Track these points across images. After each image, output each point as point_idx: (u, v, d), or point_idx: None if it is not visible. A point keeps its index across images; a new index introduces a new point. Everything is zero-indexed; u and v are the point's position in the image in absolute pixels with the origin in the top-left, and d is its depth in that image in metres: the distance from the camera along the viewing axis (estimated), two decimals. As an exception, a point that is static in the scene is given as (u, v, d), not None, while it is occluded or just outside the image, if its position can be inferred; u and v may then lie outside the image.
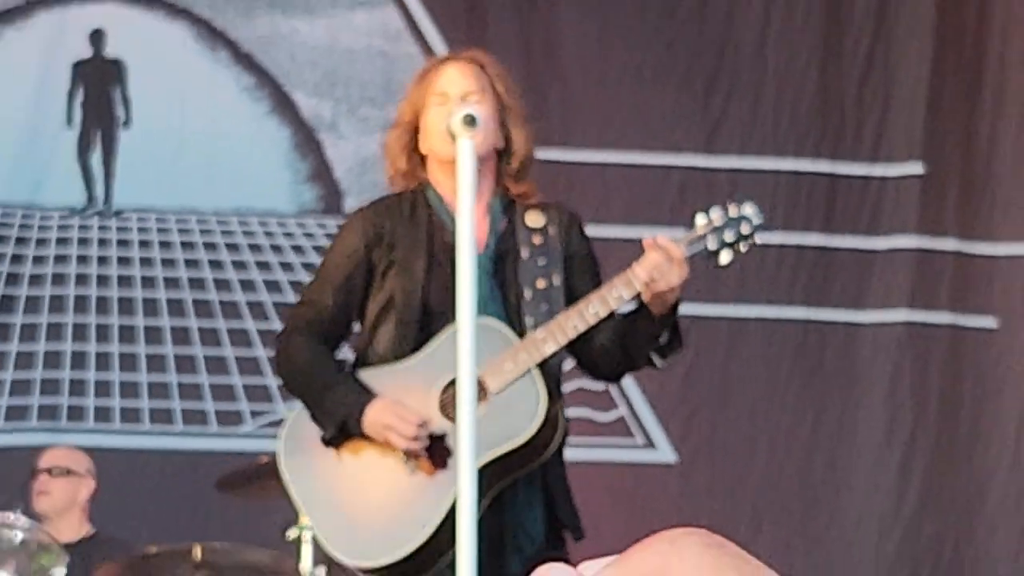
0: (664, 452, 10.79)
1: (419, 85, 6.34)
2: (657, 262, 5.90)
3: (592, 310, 5.97)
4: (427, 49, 10.69)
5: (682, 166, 10.93)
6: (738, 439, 10.87)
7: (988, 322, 11.05)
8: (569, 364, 6.51)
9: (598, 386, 9.88)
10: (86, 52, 10.95)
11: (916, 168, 11.10)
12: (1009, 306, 11.06)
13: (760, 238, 6.20)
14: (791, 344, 10.98)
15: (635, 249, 6.02)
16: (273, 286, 10.74)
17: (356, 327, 6.32)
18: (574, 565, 5.29)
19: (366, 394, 6.01)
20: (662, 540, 0.66)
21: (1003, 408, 10.98)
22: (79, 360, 10.60)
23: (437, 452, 5.96)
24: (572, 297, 6.18)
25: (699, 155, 10.94)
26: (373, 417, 5.95)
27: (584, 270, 6.31)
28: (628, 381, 10.39)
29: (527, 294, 6.13)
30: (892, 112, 11.14)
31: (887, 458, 10.90)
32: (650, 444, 10.78)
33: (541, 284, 6.15)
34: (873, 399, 10.95)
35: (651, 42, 11.07)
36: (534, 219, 6.29)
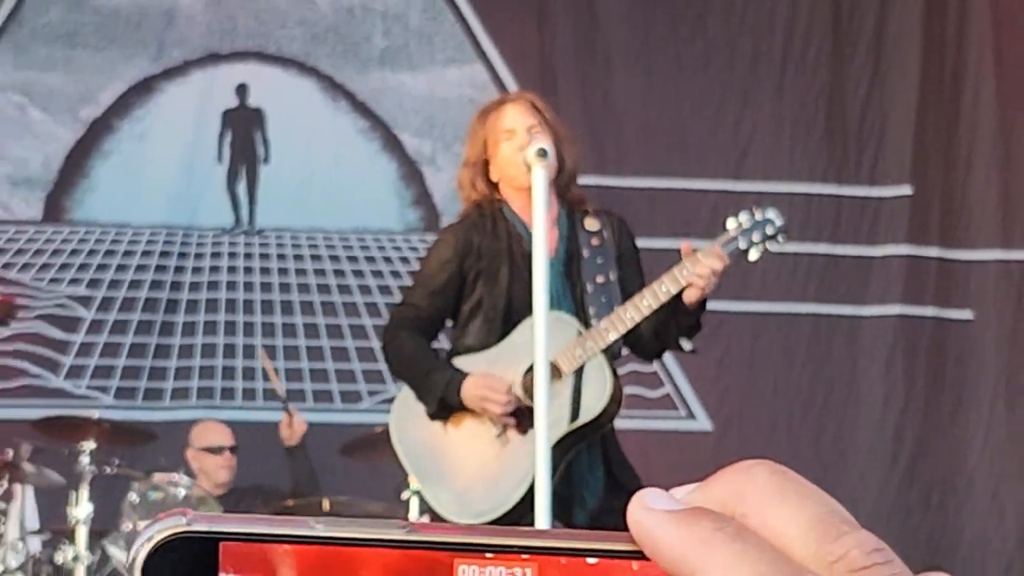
0: (702, 422, 10.78)
1: (483, 125, 6.21)
2: (709, 267, 5.79)
3: (646, 303, 5.85)
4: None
5: (715, 190, 10.85)
6: (763, 411, 10.85)
7: (966, 314, 11.00)
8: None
9: (648, 368, 9.94)
10: (233, 102, 10.98)
11: (906, 190, 11.06)
12: (983, 301, 11.01)
13: (783, 238, 6.07)
14: (804, 334, 10.95)
15: (672, 259, 5.90)
16: (384, 290, 10.70)
17: (448, 323, 6.25)
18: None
19: (461, 373, 5.94)
20: (737, 468, 0.72)
21: (979, 384, 10.93)
22: (229, 351, 10.64)
23: (522, 422, 5.89)
24: (623, 288, 6.11)
25: (729, 180, 10.89)
26: (469, 389, 5.88)
27: (631, 265, 6.22)
28: (672, 366, 10.53)
29: (589, 288, 6.05)
30: (885, 145, 11.10)
31: (884, 426, 10.86)
32: (691, 415, 10.77)
33: (600, 279, 6.08)
34: (872, 378, 10.93)
35: (687, 91, 11.02)
36: (591, 224, 6.18)
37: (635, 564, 0.77)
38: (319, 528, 0.75)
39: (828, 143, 11.09)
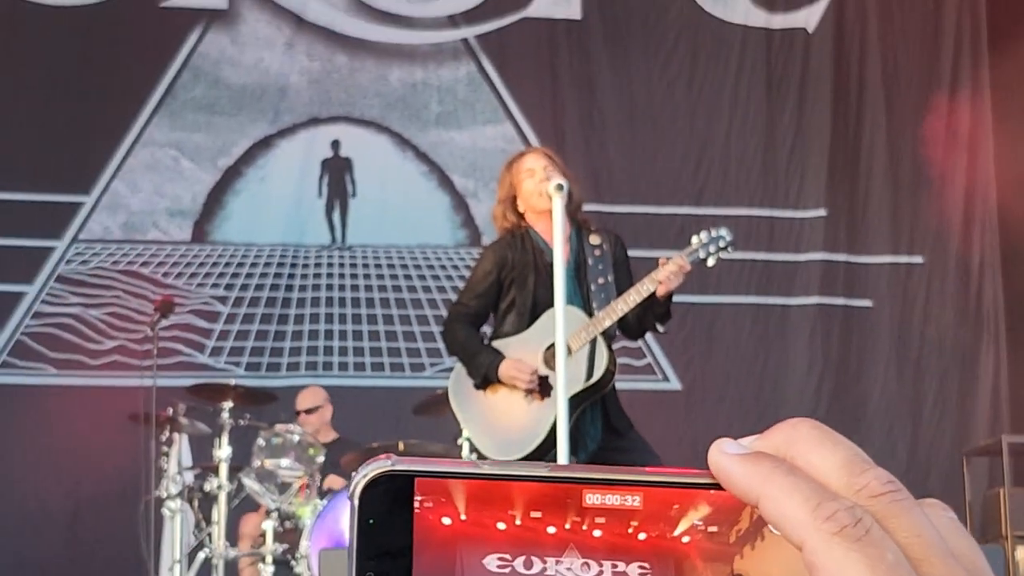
0: (674, 384, 10.79)
1: (509, 171, 6.23)
2: (673, 270, 5.86)
3: (632, 298, 5.88)
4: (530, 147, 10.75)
5: (681, 214, 10.88)
6: (718, 375, 10.86)
7: (866, 303, 11.04)
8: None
9: (634, 344, 10.00)
10: (329, 153, 10.94)
11: (821, 212, 11.10)
12: (879, 293, 11.05)
13: (732, 249, 6.06)
14: (749, 318, 10.98)
15: (652, 264, 5.95)
16: (441, 288, 10.68)
17: (490, 317, 6.29)
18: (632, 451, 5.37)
19: (499, 356, 5.97)
20: (787, 424, 0.74)
21: (876, 354, 10.98)
22: (329, 335, 10.63)
23: (543, 388, 5.93)
24: (617, 286, 6.12)
25: (691, 207, 10.92)
26: (504, 370, 5.94)
27: (623, 271, 6.22)
28: (652, 343, 10.54)
29: (593, 288, 6.05)
30: (805, 179, 11.12)
31: (807, 384, 10.92)
32: (666, 379, 10.78)
33: (601, 281, 6.08)
34: (798, 349, 10.96)
35: (660, 142, 11.04)
36: (594, 239, 6.19)
37: (713, 492, 0.78)
38: (485, 467, 0.77)
39: (764, 179, 11.12)
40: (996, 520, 9.68)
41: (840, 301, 11.04)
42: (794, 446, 0.79)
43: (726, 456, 0.79)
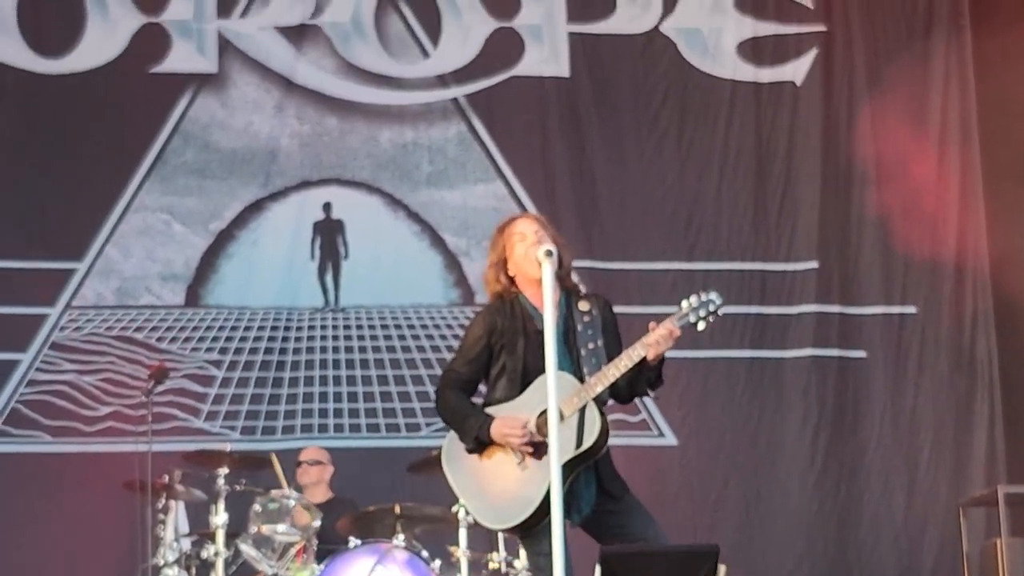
0: (670, 439, 10.76)
1: (502, 235, 6.21)
2: (663, 335, 5.83)
3: (623, 364, 5.85)
4: (521, 207, 10.75)
5: (673, 269, 10.91)
6: (713, 429, 10.85)
7: (860, 354, 11.05)
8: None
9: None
10: (321, 215, 10.92)
11: (813, 264, 11.12)
12: (872, 344, 11.04)
13: (722, 312, 5.97)
14: (743, 372, 10.97)
15: (646, 320, 5.91)
16: (435, 348, 10.65)
17: (481, 383, 6.21)
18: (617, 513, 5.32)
19: (490, 418, 5.95)
20: None
21: (871, 404, 10.99)
22: (323, 397, 10.59)
23: (537, 449, 5.88)
24: (607, 350, 6.06)
25: (683, 262, 10.95)
26: (496, 428, 5.90)
27: (612, 333, 6.16)
28: (647, 399, 10.43)
29: (583, 353, 6.00)
30: (797, 233, 11.15)
31: (803, 436, 10.90)
32: (661, 434, 10.75)
33: (591, 346, 6.03)
34: (793, 401, 10.95)
35: (651, 198, 11.09)
36: (583, 305, 6.13)
37: None
38: None
39: (755, 233, 11.13)
40: (993, 571, 9.69)
41: (834, 352, 11.02)
42: None
43: None
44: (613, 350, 6.09)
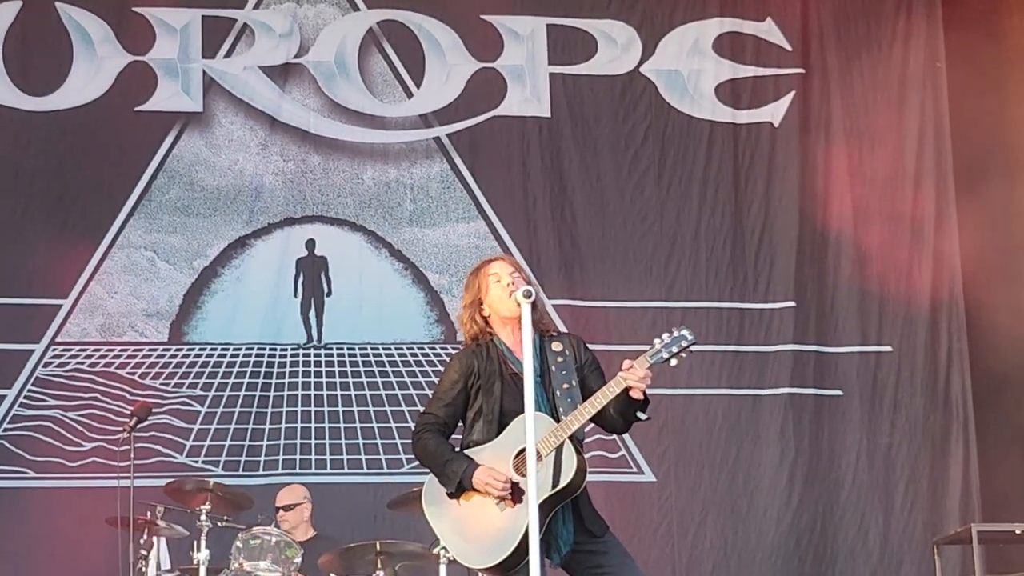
0: (648, 475, 10.78)
1: (477, 276, 6.22)
2: (634, 375, 5.83)
3: (597, 402, 5.85)
4: (503, 245, 10.84)
5: (652, 307, 10.95)
6: (692, 466, 10.86)
7: (836, 392, 11.10)
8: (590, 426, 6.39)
9: (609, 437, 10.00)
10: (304, 252, 10.96)
11: (790, 304, 11.17)
12: (848, 383, 11.10)
13: (695, 347, 5.93)
14: (721, 409, 10.99)
15: (624, 356, 5.87)
16: (417, 384, 10.66)
17: (459, 425, 6.19)
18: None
19: (473, 464, 5.94)
20: None
21: (847, 442, 11.03)
22: (306, 432, 10.58)
23: (515, 496, 5.88)
24: (586, 389, 6.05)
25: (662, 301, 10.99)
26: (478, 477, 5.89)
27: (592, 371, 6.15)
28: (626, 436, 10.46)
29: (558, 393, 5.99)
30: (775, 273, 11.21)
31: (780, 473, 10.93)
32: (640, 471, 10.77)
33: (565, 386, 6.03)
34: (770, 439, 10.98)
35: (631, 238, 11.11)
36: (556, 346, 6.12)
37: None
38: None
39: (732, 273, 11.18)
40: (969, 608, 9.71)
41: (811, 391, 11.07)
42: None
43: None
44: (595, 384, 6.09)
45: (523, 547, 5.71)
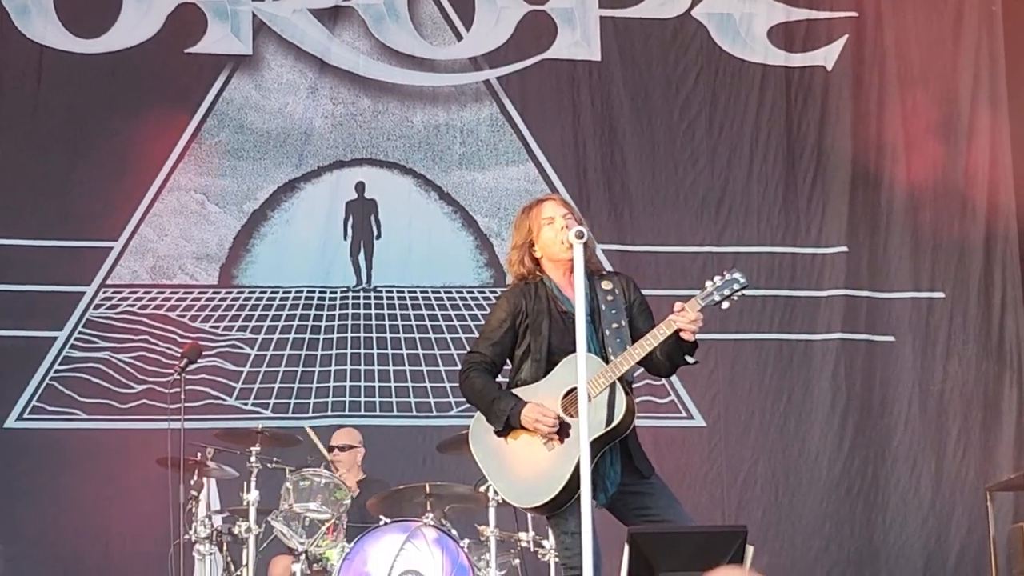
0: (698, 420, 10.74)
1: (528, 217, 6.18)
2: (691, 318, 5.77)
3: (648, 344, 5.83)
4: (553, 188, 10.69)
5: (703, 252, 10.90)
6: (742, 411, 10.81)
7: (889, 338, 11.01)
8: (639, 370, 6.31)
9: (658, 382, 10.01)
10: (353, 195, 10.94)
11: (843, 249, 11.08)
12: (901, 328, 11.02)
13: (747, 292, 5.91)
14: (772, 354, 10.94)
15: (673, 301, 5.88)
16: (466, 328, 10.64)
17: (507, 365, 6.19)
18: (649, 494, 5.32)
19: (520, 401, 5.92)
20: (720, 572, 0.82)
21: (899, 388, 10.95)
22: (355, 375, 10.59)
23: (563, 435, 5.87)
24: (635, 329, 6.04)
25: (713, 246, 10.93)
26: (526, 415, 5.88)
27: (641, 311, 6.14)
28: (675, 380, 10.44)
29: (607, 333, 5.97)
30: (827, 217, 11.12)
31: (831, 418, 10.87)
32: (689, 416, 10.73)
33: (615, 326, 6.00)
34: (822, 385, 10.92)
35: (682, 182, 11.05)
36: (606, 285, 6.10)
37: None
38: None
39: (785, 217, 11.10)
40: (1020, 554, 9.65)
41: (863, 336, 10.99)
42: None
43: None
44: (644, 325, 6.07)
45: (570, 487, 5.73)
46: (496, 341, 6.15)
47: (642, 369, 6.20)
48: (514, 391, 6.05)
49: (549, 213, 6.16)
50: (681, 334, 5.85)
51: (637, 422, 6.05)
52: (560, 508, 5.90)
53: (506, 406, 5.97)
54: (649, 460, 6.16)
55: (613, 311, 6.08)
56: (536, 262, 6.19)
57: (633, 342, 5.99)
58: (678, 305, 5.88)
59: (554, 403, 5.96)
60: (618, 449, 5.97)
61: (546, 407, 5.93)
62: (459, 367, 6.27)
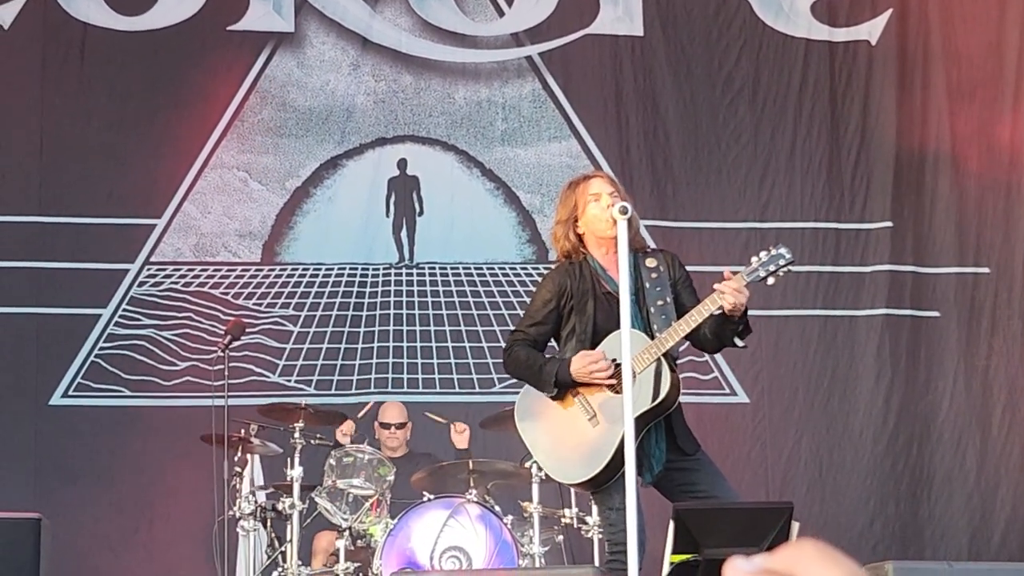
0: (741, 397, 10.70)
1: (574, 192, 6.18)
2: (731, 290, 5.80)
3: (692, 320, 5.85)
4: (596, 164, 10.63)
5: (745, 228, 10.85)
6: (786, 388, 10.76)
7: (934, 314, 10.94)
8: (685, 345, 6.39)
9: (701, 358, 9.99)
10: (396, 172, 10.92)
11: (887, 224, 11.00)
12: (946, 304, 10.94)
13: (792, 267, 6.00)
14: (816, 330, 10.87)
15: (716, 279, 5.93)
16: (509, 304, 10.62)
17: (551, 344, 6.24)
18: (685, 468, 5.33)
19: (566, 359, 5.97)
20: (793, 544, 0.82)
21: (944, 364, 10.88)
22: (398, 352, 10.58)
23: (607, 411, 5.91)
24: (680, 306, 6.06)
25: (756, 222, 10.87)
26: (576, 366, 5.90)
27: (685, 287, 6.17)
28: (719, 357, 10.42)
29: (652, 310, 5.99)
30: (871, 192, 11.02)
31: (876, 395, 10.80)
32: (733, 392, 10.69)
33: (660, 303, 6.02)
34: (866, 360, 10.84)
35: (724, 158, 10.98)
36: (650, 262, 6.13)
37: None
38: None
39: (829, 193, 11.02)
40: (1067, 531, 9.58)
41: (907, 312, 10.93)
42: (799, 564, 0.88)
43: (741, 573, 0.90)
44: (688, 302, 6.09)
45: (615, 463, 5.77)
46: (539, 320, 6.18)
47: (687, 345, 6.20)
48: None
49: (596, 190, 6.18)
50: (726, 309, 5.84)
51: (681, 398, 6.06)
52: (604, 485, 5.93)
53: (552, 367, 6.01)
54: (694, 437, 6.16)
55: (658, 288, 6.10)
56: (580, 239, 6.19)
57: (679, 317, 5.99)
58: (727, 272, 5.88)
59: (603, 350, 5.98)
60: (663, 427, 6.00)
61: (591, 351, 5.94)
62: (501, 344, 6.32)
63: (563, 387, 6.01)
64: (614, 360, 5.87)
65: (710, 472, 6.11)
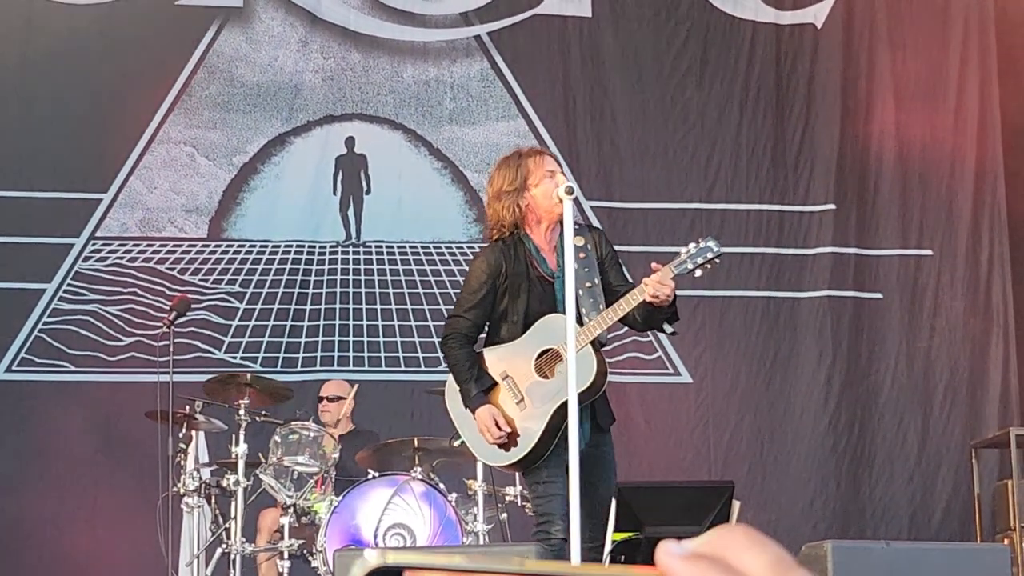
0: (685, 377, 10.71)
1: (524, 164, 6.08)
2: (655, 283, 5.74)
3: (620, 309, 5.83)
4: (543, 144, 10.52)
5: (691, 209, 10.88)
6: (728, 368, 10.79)
7: (876, 295, 11.01)
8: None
9: (644, 338, 10.00)
10: (343, 150, 10.89)
11: (830, 206, 11.04)
12: (888, 286, 11.01)
13: (719, 260, 5.92)
14: (759, 311, 10.91)
15: (663, 260, 5.90)
16: (455, 284, 10.47)
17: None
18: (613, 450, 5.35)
19: (484, 399, 6.02)
20: (723, 528, 0.85)
21: (886, 345, 10.94)
22: (344, 330, 10.57)
23: (535, 394, 5.96)
24: (607, 284, 6.04)
25: (701, 203, 10.90)
26: (480, 415, 5.99)
27: (613, 266, 6.14)
28: (663, 337, 10.38)
29: (581, 292, 5.90)
30: (815, 175, 11.06)
31: (818, 375, 10.85)
32: (676, 372, 10.69)
33: (588, 285, 5.98)
34: (808, 342, 10.90)
35: (671, 139, 11.00)
36: (579, 241, 5.96)
37: None
38: (468, 563, 0.88)
39: (773, 175, 11.06)
40: (1005, 512, 9.67)
41: (850, 294, 10.99)
42: (728, 549, 0.90)
43: (671, 556, 0.91)
44: (616, 280, 6.13)
45: (541, 445, 5.86)
46: (475, 304, 6.18)
47: (625, 328, 6.21)
48: (490, 350, 6.13)
49: (552, 167, 6.14)
50: (651, 300, 5.82)
51: (625, 378, 6.09)
52: (531, 466, 5.97)
53: (470, 393, 6.07)
54: (612, 411, 6.21)
55: (586, 269, 6.06)
56: (521, 212, 6.14)
57: (606, 296, 6.00)
58: (655, 265, 5.87)
59: (528, 363, 6.03)
60: (588, 410, 6.01)
61: (501, 418, 6.01)
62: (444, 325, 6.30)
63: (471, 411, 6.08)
64: (510, 432, 5.94)
65: (604, 466, 6.13)
